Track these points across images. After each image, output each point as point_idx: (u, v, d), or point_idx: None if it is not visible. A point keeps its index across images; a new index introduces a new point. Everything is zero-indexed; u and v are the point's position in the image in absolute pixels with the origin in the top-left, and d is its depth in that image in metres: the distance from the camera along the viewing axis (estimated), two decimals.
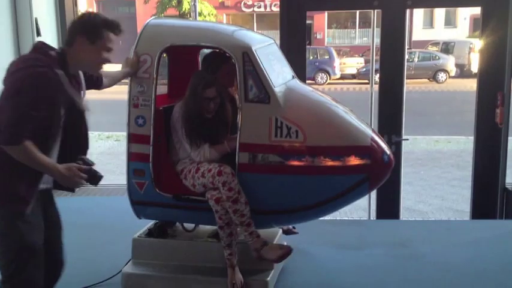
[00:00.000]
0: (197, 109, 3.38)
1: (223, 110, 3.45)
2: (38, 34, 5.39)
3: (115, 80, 3.32)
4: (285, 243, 3.99)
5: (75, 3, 6.26)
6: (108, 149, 10.56)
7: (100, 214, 5.30)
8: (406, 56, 5.63)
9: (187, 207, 3.49)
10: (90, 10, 28.84)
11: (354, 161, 3.25)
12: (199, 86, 3.36)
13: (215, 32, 3.71)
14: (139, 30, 3.55)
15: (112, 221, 4.93)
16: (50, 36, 5.69)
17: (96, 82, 3.13)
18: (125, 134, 3.55)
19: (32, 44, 5.32)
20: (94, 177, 2.66)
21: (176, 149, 3.51)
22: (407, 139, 5.66)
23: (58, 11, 5.85)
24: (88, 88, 2.94)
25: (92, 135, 11.08)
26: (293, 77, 3.73)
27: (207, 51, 3.92)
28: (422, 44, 24.27)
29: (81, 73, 2.83)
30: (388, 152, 3.38)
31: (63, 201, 6.11)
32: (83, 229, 4.85)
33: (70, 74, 2.64)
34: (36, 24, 5.36)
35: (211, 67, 3.73)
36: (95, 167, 2.68)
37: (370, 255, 4.26)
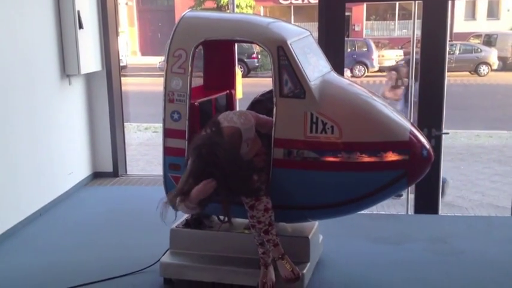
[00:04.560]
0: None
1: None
2: (80, 27, 5.47)
3: None
4: (321, 237, 3.98)
5: None
6: (146, 140, 10.75)
7: (139, 203, 5.39)
8: (447, 49, 5.50)
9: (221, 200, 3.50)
10: (130, 3, 29.23)
11: (391, 156, 3.20)
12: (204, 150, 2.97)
13: (250, 26, 3.66)
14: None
15: (151, 210, 5.00)
16: (91, 29, 5.79)
17: None
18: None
19: (74, 36, 5.38)
20: None
21: None
22: (447, 133, 5.54)
23: (100, 4, 5.95)
24: None
25: (131, 126, 11.31)
26: (330, 70, 3.70)
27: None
28: (464, 36, 23.60)
29: None
30: (427, 146, 3.32)
31: (104, 190, 6.26)
32: (123, 218, 4.99)
33: None
34: (79, 17, 5.44)
35: None
36: None
37: (408, 250, 4.21)
